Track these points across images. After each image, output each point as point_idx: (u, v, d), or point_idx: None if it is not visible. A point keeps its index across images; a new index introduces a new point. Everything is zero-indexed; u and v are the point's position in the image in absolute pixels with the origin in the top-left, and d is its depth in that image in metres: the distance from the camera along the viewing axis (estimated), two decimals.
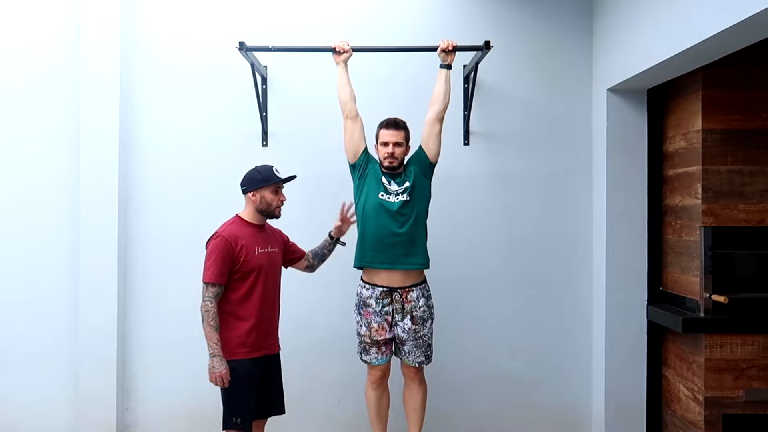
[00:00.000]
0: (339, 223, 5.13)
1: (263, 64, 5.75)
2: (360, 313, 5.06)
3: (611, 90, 5.63)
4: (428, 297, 5.08)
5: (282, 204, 4.65)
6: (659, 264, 5.68)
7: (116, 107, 5.70)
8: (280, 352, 4.88)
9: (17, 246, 5.84)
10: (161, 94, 5.91)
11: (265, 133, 5.87)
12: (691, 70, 4.96)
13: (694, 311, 5.04)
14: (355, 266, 5.12)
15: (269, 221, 4.81)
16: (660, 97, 5.65)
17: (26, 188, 5.85)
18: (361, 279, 5.12)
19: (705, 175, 4.98)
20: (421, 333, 4.98)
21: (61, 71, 5.84)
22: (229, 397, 4.47)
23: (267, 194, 4.54)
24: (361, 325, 5.06)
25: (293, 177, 4.75)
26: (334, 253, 5.50)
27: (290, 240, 5.05)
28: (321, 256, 5.18)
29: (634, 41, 5.10)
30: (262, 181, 4.54)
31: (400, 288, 4.96)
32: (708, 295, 4.90)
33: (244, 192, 4.64)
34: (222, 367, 4.32)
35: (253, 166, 4.70)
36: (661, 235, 5.68)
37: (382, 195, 4.95)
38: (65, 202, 5.81)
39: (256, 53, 5.42)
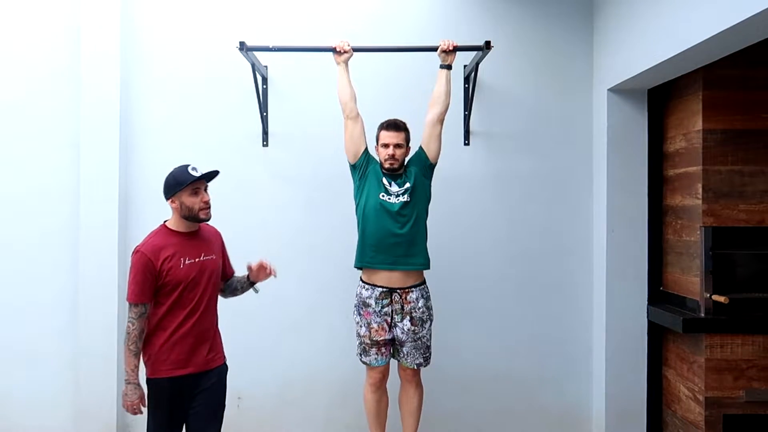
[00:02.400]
0: (255, 268, 4.48)
1: (264, 64, 5.82)
2: (360, 314, 5.11)
3: (612, 90, 5.67)
4: (427, 298, 5.13)
5: (207, 206, 4.18)
6: (660, 264, 5.72)
7: (116, 107, 5.76)
8: (223, 365, 4.41)
9: (17, 246, 5.91)
10: (161, 95, 5.97)
11: (265, 133, 5.91)
12: (691, 71, 5.01)
13: (694, 311, 5.09)
14: (355, 266, 5.16)
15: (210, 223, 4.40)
16: (660, 97, 5.69)
17: (27, 188, 5.92)
18: (361, 279, 5.17)
19: (705, 175, 5.02)
20: (420, 334, 5.03)
21: (61, 72, 5.91)
22: (147, 419, 4.19)
23: (186, 198, 4.08)
24: (360, 326, 5.11)
25: (213, 173, 4.21)
26: (332, 253, 5.57)
27: (226, 249, 4.57)
28: (233, 290, 4.63)
29: (634, 41, 5.14)
30: (177, 186, 4.09)
31: (399, 289, 5.01)
32: (708, 295, 4.95)
33: (166, 199, 4.19)
34: (135, 396, 4.06)
35: (171, 171, 4.20)
36: (662, 235, 5.72)
37: (383, 196, 5.01)
38: (66, 202, 5.87)
39: (256, 53, 5.47)
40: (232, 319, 5.14)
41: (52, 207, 5.90)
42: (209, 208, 4.19)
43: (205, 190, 4.20)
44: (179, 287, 4.04)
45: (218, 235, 4.50)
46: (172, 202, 4.11)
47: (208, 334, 4.27)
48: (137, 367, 4.07)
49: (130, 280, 4.02)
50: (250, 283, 4.55)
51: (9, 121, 5.92)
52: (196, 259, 4.13)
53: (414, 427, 5.22)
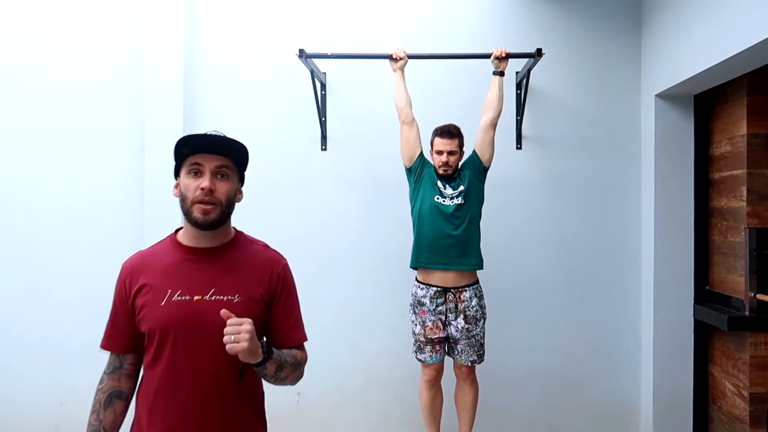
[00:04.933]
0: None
1: (322, 70, 5.96)
2: (415, 312, 5.25)
3: (659, 96, 5.76)
4: (481, 297, 5.25)
5: (206, 196, 2.57)
6: (706, 264, 5.78)
7: (180, 112, 5.91)
8: None
9: (83, 246, 6.03)
10: (223, 100, 6.10)
11: (324, 137, 6.04)
12: (736, 77, 5.10)
13: (739, 310, 5.14)
14: (411, 266, 5.30)
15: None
16: (706, 103, 5.75)
17: (93, 190, 6.05)
18: (416, 279, 5.31)
19: (750, 178, 5.10)
20: (474, 332, 5.15)
21: (126, 76, 6.07)
22: None
23: (183, 180, 2.64)
24: (416, 324, 5.25)
25: (218, 137, 2.64)
26: (389, 254, 5.75)
27: (290, 295, 2.85)
28: (281, 377, 2.63)
29: (681, 48, 5.22)
30: (176, 159, 2.70)
31: (453, 288, 5.15)
32: (753, 294, 5.00)
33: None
34: None
35: None
36: (708, 237, 5.78)
37: (438, 198, 5.15)
38: (129, 204, 6.01)
39: (315, 60, 5.61)
40: None
41: (118, 208, 6.05)
42: (212, 204, 2.59)
43: (221, 175, 2.63)
44: (153, 340, 2.63)
45: (272, 264, 2.80)
46: (176, 187, 2.71)
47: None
48: None
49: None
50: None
51: (75, 124, 6.07)
52: (195, 297, 2.60)
53: (470, 423, 5.32)
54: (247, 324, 2.39)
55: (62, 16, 6.07)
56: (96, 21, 6.08)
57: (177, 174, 2.72)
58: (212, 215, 2.60)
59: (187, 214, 2.61)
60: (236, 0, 6.07)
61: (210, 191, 2.57)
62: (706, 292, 5.76)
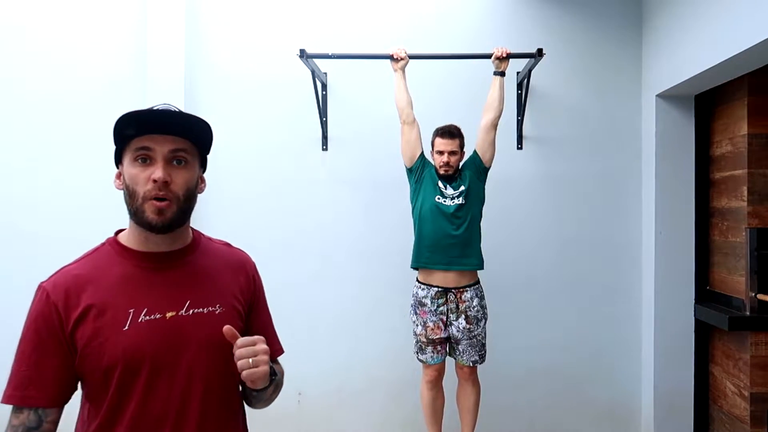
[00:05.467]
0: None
1: (323, 71, 5.98)
2: (416, 313, 5.27)
3: (660, 96, 5.79)
4: (482, 297, 5.27)
5: (159, 190, 2.08)
6: (706, 264, 5.81)
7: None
8: None
9: (83, 245, 5.79)
10: (224, 99, 6.11)
11: (325, 137, 6.06)
12: (736, 77, 5.13)
13: (740, 310, 5.16)
14: (412, 267, 5.31)
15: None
16: (707, 103, 5.78)
17: (95, 188, 5.99)
18: (417, 280, 5.33)
19: (750, 178, 5.13)
20: (475, 332, 5.17)
21: (127, 77, 6.07)
22: None
23: (128, 170, 2.12)
24: (417, 325, 5.27)
25: (170, 112, 2.14)
26: (390, 254, 5.75)
27: (264, 298, 2.52)
28: (265, 397, 2.31)
29: (682, 49, 5.25)
30: (116, 142, 2.18)
31: (454, 288, 5.16)
32: (753, 294, 5.02)
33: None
34: None
35: None
36: (708, 237, 5.81)
37: (439, 198, 5.17)
38: None
39: (316, 60, 5.64)
40: (293, 317, 5.35)
41: (119, 209, 5.84)
42: (167, 200, 2.09)
43: (177, 161, 2.13)
44: (113, 376, 2.05)
45: (243, 265, 2.44)
46: (118, 177, 2.22)
47: None
48: None
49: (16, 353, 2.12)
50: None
51: (77, 124, 6.07)
52: (168, 314, 2.13)
53: (472, 423, 5.34)
54: (261, 344, 2.04)
55: (64, 18, 6.09)
56: (98, 23, 6.10)
57: (118, 161, 2.20)
58: (169, 214, 2.09)
59: (135, 213, 2.11)
60: (237, 1, 6.09)
61: (165, 183, 2.07)
62: (706, 292, 5.78)
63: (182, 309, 2.16)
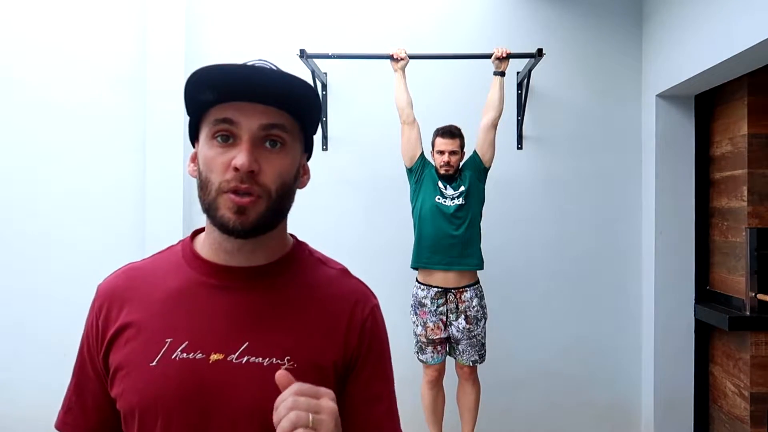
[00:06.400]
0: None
1: (323, 71, 5.99)
2: (416, 313, 5.29)
3: (660, 96, 5.80)
4: (481, 297, 5.28)
5: (242, 183, 1.48)
6: (706, 264, 5.81)
7: (182, 114, 5.76)
8: None
9: (86, 247, 6.05)
10: None
11: (325, 137, 6.07)
12: (736, 77, 5.14)
13: (740, 310, 5.17)
14: (411, 267, 5.33)
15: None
16: (707, 103, 5.78)
17: (94, 191, 6.06)
18: (417, 280, 5.35)
19: (750, 178, 5.13)
20: (475, 332, 5.18)
21: (128, 79, 6.08)
22: None
23: (204, 151, 1.56)
24: (417, 325, 5.29)
25: (265, 70, 1.52)
26: (390, 254, 5.74)
27: (383, 358, 1.73)
28: None
29: (682, 49, 5.26)
30: (189, 112, 1.63)
31: (454, 288, 5.18)
32: (754, 294, 5.03)
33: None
34: None
35: None
36: (708, 237, 5.81)
37: (439, 198, 5.19)
38: (133, 205, 6.05)
39: (316, 60, 5.66)
40: None
41: (121, 210, 6.07)
42: (252, 195, 1.50)
43: (272, 142, 1.54)
44: (132, 423, 1.56)
45: (355, 309, 1.68)
46: (193, 161, 1.64)
47: None
48: None
49: None
50: None
51: (78, 127, 6.08)
52: (213, 356, 1.53)
53: (472, 423, 5.34)
54: (328, 398, 1.32)
55: (65, 19, 6.09)
56: (98, 23, 6.11)
57: (194, 138, 1.64)
58: (253, 214, 1.50)
59: (209, 209, 1.53)
60: (237, 0, 6.10)
61: (250, 173, 1.48)
62: (706, 292, 5.79)
63: (235, 353, 1.52)
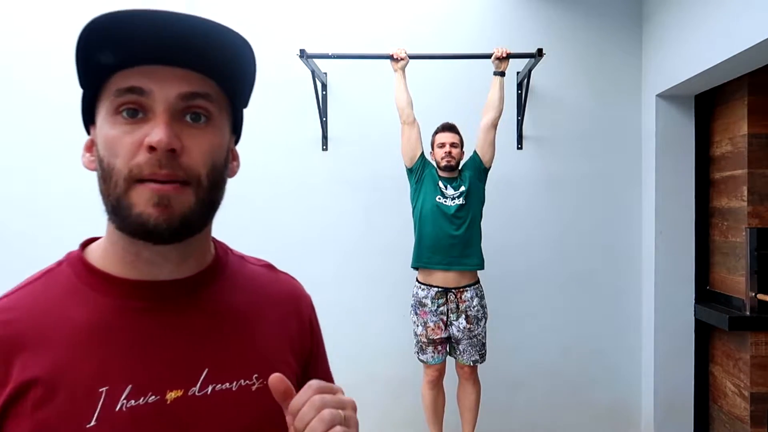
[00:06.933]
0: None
1: (323, 71, 5.98)
2: (416, 313, 5.28)
3: (660, 96, 5.79)
4: (482, 297, 5.28)
5: (161, 167, 1.15)
6: (706, 264, 5.81)
7: None
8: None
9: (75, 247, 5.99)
10: None
11: (325, 137, 6.06)
12: (737, 77, 5.13)
13: (740, 310, 5.17)
14: (412, 267, 5.33)
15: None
16: (707, 103, 5.77)
17: (97, 191, 5.85)
18: (417, 280, 5.34)
19: (750, 178, 5.13)
20: (476, 332, 5.18)
21: None
22: None
23: (105, 131, 1.22)
24: (417, 325, 5.28)
25: (181, 16, 1.26)
26: (390, 254, 5.74)
27: (324, 353, 1.70)
28: None
29: (682, 49, 5.26)
30: (83, 81, 1.28)
31: (454, 288, 5.18)
32: (754, 294, 5.03)
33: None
34: None
35: None
36: (708, 237, 5.81)
37: (439, 198, 5.18)
38: None
39: (316, 60, 5.64)
40: None
41: None
42: (176, 181, 1.17)
43: (194, 116, 1.22)
44: None
45: (295, 302, 1.58)
46: (88, 150, 1.39)
47: None
48: None
49: None
50: None
51: (78, 124, 5.68)
52: (169, 394, 1.20)
53: (472, 423, 5.35)
54: (351, 408, 1.16)
55: (65, 21, 6.07)
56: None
57: (90, 120, 1.35)
58: (180, 208, 1.18)
59: (118, 207, 1.22)
60: (237, 1, 6.10)
61: (170, 153, 1.16)
62: (706, 292, 5.79)
63: (195, 385, 1.24)
